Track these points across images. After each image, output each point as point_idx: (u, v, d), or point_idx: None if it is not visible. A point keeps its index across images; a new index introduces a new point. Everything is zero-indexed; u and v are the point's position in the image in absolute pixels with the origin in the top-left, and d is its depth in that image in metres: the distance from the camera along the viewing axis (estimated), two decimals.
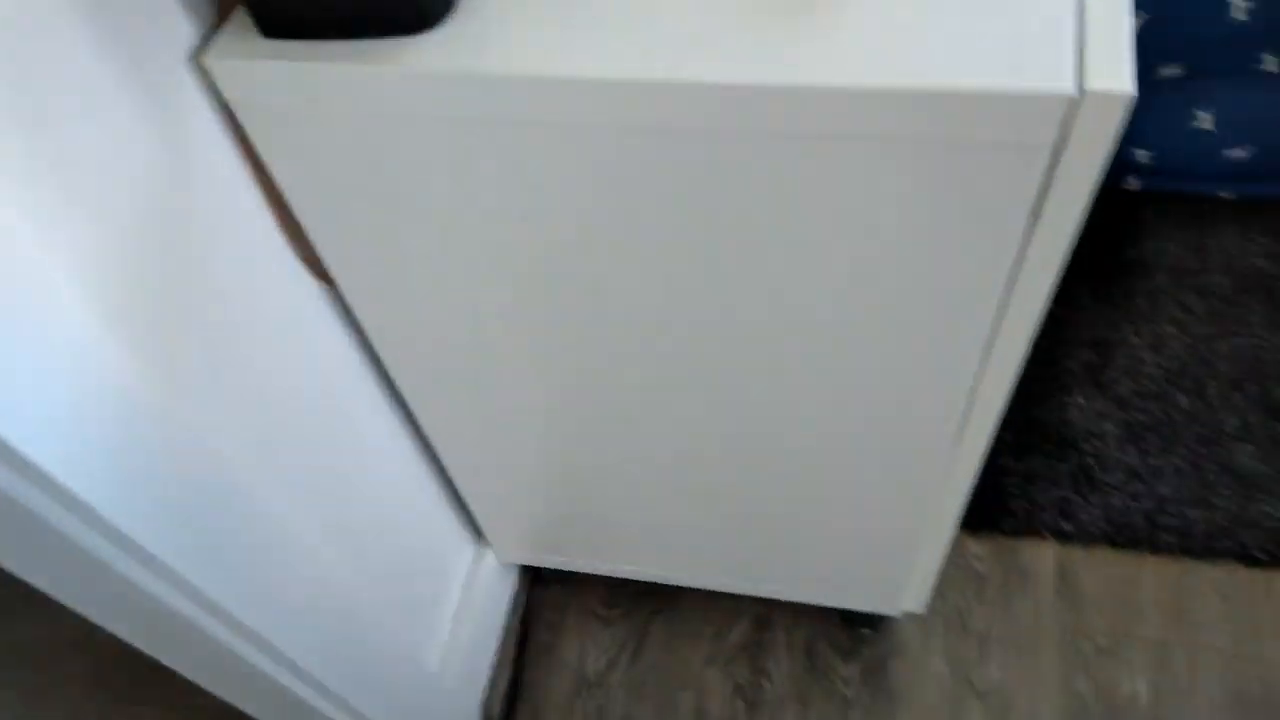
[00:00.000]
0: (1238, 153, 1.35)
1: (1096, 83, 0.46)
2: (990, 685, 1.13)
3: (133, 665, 1.20)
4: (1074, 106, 0.47)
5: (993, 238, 0.56)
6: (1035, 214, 0.55)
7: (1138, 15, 1.23)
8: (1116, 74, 0.46)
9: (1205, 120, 1.32)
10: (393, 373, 0.82)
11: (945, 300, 0.63)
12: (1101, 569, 1.20)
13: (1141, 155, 1.37)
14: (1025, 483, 1.23)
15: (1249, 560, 1.18)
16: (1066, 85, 0.46)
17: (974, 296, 0.62)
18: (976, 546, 1.22)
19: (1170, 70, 1.28)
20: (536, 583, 1.22)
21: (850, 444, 0.81)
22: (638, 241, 0.62)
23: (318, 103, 0.56)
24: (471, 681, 1.09)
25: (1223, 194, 1.41)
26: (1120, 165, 1.40)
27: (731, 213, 0.58)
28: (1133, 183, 1.42)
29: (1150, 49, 1.27)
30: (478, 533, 1.10)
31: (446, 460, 0.93)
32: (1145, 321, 1.34)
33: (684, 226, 0.60)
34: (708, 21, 0.52)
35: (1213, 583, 1.18)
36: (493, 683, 1.12)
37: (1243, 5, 1.21)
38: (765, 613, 1.19)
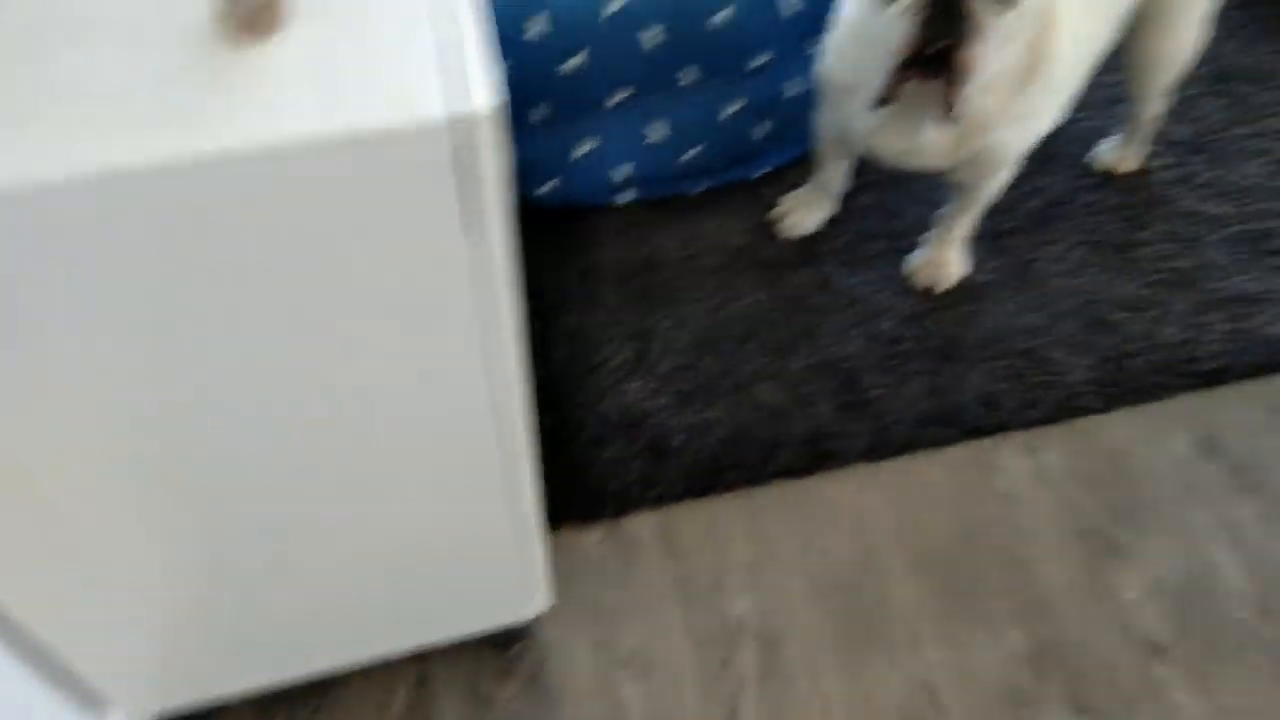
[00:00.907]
0: (693, 153, 1.62)
1: (462, 105, 0.58)
2: (631, 652, 1.26)
3: None
4: (455, 127, 0.58)
5: (438, 255, 0.67)
6: (467, 226, 0.66)
7: (579, 55, 1.45)
8: (477, 94, 0.59)
9: (660, 131, 1.58)
10: None
11: (429, 325, 0.72)
12: (690, 519, 1.38)
13: (620, 172, 1.61)
14: (612, 468, 1.39)
15: (793, 473, 1.41)
16: (438, 111, 0.58)
17: (452, 314, 0.71)
18: (591, 536, 1.35)
19: (622, 93, 1.52)
20: None
21: (417, 483, 0.88)
22: (141, 350, 0.66)
23: None
24: None
25: (693, 191, 1.68)
26: (608, 186, 1.63)
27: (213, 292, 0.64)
28: (623, 198, 1.65)
29: (599, 77, 1.50)
30: (95, 698, 1.03)
31: (35, 628, 0.88)
32: (667, 307, 1.56)
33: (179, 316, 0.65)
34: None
35: (775, 500, 1.40)
36: None
37: (650, 37, 1.47)
38: (423, 669, 1.23)
